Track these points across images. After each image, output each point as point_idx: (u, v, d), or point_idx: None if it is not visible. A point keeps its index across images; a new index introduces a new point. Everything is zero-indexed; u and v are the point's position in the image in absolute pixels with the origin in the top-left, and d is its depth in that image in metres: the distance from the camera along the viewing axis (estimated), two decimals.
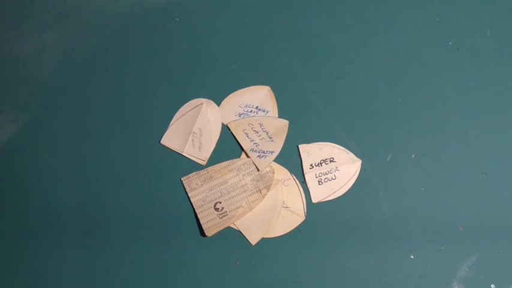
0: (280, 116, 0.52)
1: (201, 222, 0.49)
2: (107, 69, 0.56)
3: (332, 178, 0.50)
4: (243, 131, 0.51)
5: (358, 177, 0.50)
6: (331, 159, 0.50)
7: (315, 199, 0.49)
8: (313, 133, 0.51)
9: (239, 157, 0.51)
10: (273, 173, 0.50)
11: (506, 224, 0.47)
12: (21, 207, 0.52)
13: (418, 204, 0.48)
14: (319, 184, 0.50)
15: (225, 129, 0.53)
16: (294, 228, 0.49)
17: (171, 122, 0.53)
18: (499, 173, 0.49)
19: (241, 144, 0.51)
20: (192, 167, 0.51)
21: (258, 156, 0.50)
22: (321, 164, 0.50)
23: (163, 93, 0.54)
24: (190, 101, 0.54)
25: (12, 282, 0.50)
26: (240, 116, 0.53)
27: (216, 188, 0.50)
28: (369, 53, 0.54)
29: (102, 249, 0.50)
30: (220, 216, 0.49)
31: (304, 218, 0.49)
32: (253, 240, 0.48)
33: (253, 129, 0.51)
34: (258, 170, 0.50)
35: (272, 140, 0.51)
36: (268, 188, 0.49)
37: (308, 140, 0.51)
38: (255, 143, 0.51)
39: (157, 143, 0.53)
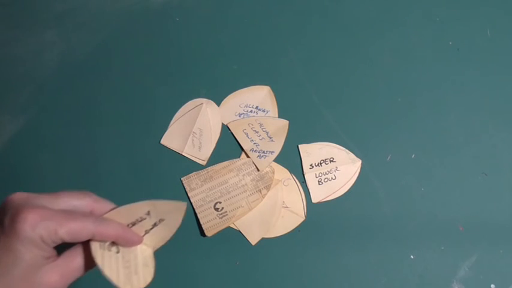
0: (280, 116, 0.52)
1: (201, 222, 0.49)
2: (107, 69, 0.56)
3: (332, 178, 0.50)
4: (243, 131, 0.51)
5: (358, 177, 0.50)
6: (331, 159, 0.50)
7: (315, 199, 0.49)
8: (313, 133, 0.51)
9: (239, 157, 0.51)
10: (273, 173, 0.50)
11: (506, 224, 0.47)
12: None
13: (418, 204, 0.48)
14: (319, 184, 0.50)
15: (225, 129, 0.53)
16: (294, 228, 0.49)
17: (171, 122, 0.53)
18: (499, 173, 0.49)
19: (241, 144, 0.51)
20: (192, 167, 0.51)
21: (258, 156, 0.50)
22: (321, 164, 0.50)
23: (163, 93, 0.54)
24: (190, 101, 0.54)
25: None
26: (240, 116, 0.53)
27: (216, 188, 0.50)
28: (369, 53, 0.54)
29: None
30: (220, 216, 0.49)
31: (304, 218, 0.49)
32: (253, 240, 0.48)
33: (253, 129, 0.51)
34: (258, 170, 0.50)
35: (272, 140, 0.51)
36: (268, 188, 0.49)
37: (308, 140, 0.51)
38: (255, 143, 0.51)
39: (157, 143, 0.53)
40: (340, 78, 0.53)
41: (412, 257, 0.47)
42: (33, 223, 0.28)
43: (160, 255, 0.49)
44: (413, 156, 0.50)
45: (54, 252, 0.30)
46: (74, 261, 0.31)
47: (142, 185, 0.51)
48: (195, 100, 0.54)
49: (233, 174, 0.50)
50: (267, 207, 0.49)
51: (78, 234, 0.29)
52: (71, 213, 0.30)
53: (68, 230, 0.29)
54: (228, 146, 0.52)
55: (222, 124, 0.53)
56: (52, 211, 0.29)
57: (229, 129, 0.52)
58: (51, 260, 0.30)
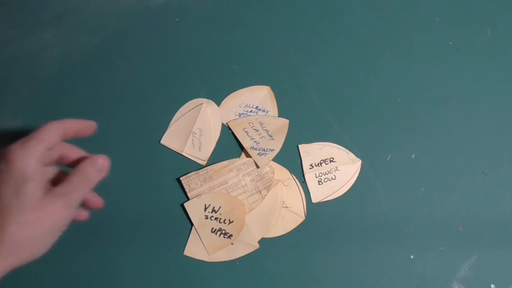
0: (280, 116, 0.52)
1: None
2: (106, 70, 0.56)
3: (332, 178, 0.50)
4: (243, 129, 0.51)
5: (358, 177, 0.50)
6: (331, 159, 0.50)
7: (315, 199, 0.49)
8: (313, 133, 0.51)
9: (239, 157, 0.51)
10: (273, 173, 0.50)
11: (506, 224, 0.47)
12: None
13: (418, 204, 0.48)
14: (319, 184, 0.50)
15: (225, 130, 0.53)
16: (294, 228, 0.49)
17: (171, 122, 0.53)
18: (499, 173, 0.49)
19: (242, 143, 0.51)
20: (192, 167, 0.51)
21: (258, 154, 0.50)
22: (321, 164, 0.50)
23: (163, 93, 0.54)
24: (190, 101, 0.54)
25: (11, 282, 0.50)
26: (240, 116, 0.53)
27: (215, 188, 0.50)
28: (369, 53, 0.54)
29: (102, 249, 0.50)
30: None
31: (304, 218, 0.49)
32: (253, 240, 0.48)
33: (254, 127, 0.51)
34: (258, 167, 0.50)
35: (272, 139, 0.51)
36: (268, 188, 0.49)
37: (308, 140, 0.51)
38: (255, 141, 0.51)
39: (157, 143, 0.53)
40: (340, 78, 0.53)
41: (412, 257, 0.47)
42: (21, 149, 0.33)
43: (161, 254, 0.49)
44: (413, 156, 0.50)
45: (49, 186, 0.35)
46: (69, 184, 0.35)
47: (142, 184, 0.51)
48: (195, 100, 0.54)
49: (233, 174, 0.50)
50: (267, 207, 0.49)
51: (56, 135, 0.35)
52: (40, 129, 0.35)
53: (48, 136, 0.34)
54: (228, 146, 0.52)
55: (222, 124, 0.53)
56: (27, 137, 0.34)
57: (230, 128, 0.52)
58: (50, 191, 0.34)
